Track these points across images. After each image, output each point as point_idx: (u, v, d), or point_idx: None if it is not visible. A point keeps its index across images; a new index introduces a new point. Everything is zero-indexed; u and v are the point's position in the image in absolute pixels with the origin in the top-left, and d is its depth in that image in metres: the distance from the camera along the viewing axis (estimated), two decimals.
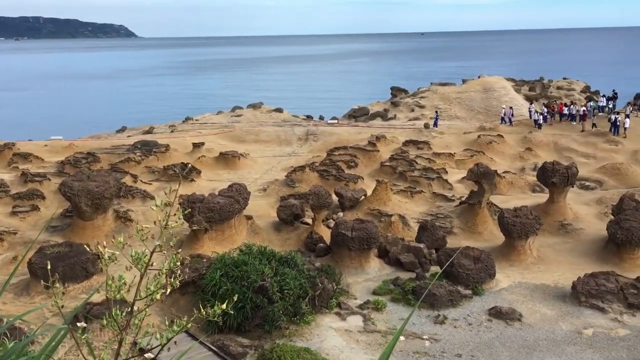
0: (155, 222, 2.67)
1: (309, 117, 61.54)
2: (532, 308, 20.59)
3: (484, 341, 18.30)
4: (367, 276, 23.63)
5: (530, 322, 19.59)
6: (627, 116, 44.90)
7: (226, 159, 42.35)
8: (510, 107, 51.27)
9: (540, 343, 18.17)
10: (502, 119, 50.36)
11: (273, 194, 35.15)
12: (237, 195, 27.31)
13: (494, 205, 30.90)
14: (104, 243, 2.74)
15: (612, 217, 27.03)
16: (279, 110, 61.90)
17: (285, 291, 18.83)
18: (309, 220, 29.45)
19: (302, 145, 49.55)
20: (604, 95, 52.28)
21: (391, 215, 29.97)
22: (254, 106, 63.69)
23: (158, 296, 2.57)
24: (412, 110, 58.98)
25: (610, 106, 49.33)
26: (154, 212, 2.79)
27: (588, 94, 60.20)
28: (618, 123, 44.21)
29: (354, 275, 23.52)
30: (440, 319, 19.60)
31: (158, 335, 2.50)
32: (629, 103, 50.67)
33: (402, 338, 18.37)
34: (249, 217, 28.76)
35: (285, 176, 37.50)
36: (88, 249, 3.77)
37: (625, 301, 20.37)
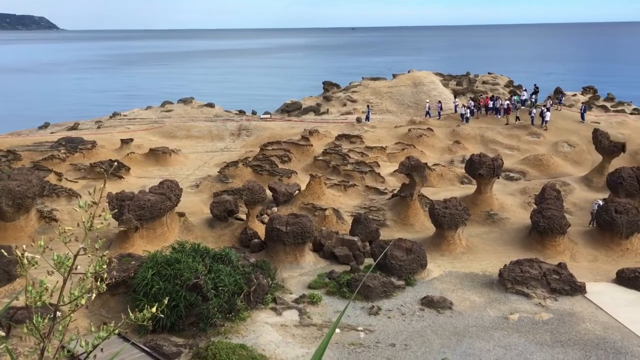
0: (78, 224, 2.54)
1: (241, 112, 60.92)
2: (462, 296, 21.24)
3: (416, 330, 18.73)
4: (302, 270, 23.69)
5: (460, 309, 20.20)
6: (548, 109, 47.00)
7: (156, 155, 41.39)
8: (439, 101, 52.57)
9: (470, 329, 18.77)
10: (427, 112, 51.58)
11: (206, 190, 34.65)
12: (169, 192, 26.74)
13: (425, 197, 31.65)
14: (24, 247, 2.59)
15: (535, 206, 28.24)
16: (211, 105, 60.99)
17: (220, 288, 18.62)
18: (243, 216, 29.22)
19: (234, 140, 49.06)
20: (526, 90, 54.43)
21: (325, 209, 30.16)
22: (185, 101, 62.48)
23: (83, 301, 2.46)
24: (345, 105, 59.46)
25: (533, 100, 51.44)
26: (80, 211, 2.66)
27: (511, 88, 62.55)
28: (544, 116, 46.30)
29: (289, 269, 23.54)
30: (374, 310, 19.90)
31: (83, 343, 2.38)
32: (549, 97, 53.00)
33: (337, 330, 18.53)
34: (181, 214, 28.23)
35: (218, 172, 37.05)
36: (5, 253, 3.57)
37: (548, 286, 21.34)
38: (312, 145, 43.04)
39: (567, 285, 21.29)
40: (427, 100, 53.45)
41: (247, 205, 28.00)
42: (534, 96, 51.68)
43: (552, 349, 17.51)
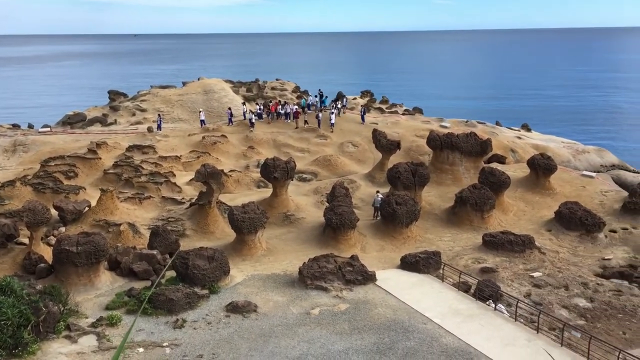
0: None
1: (15, 126, 55.31)
2: (266, 297, 21.70)
3: (223, 337, 18.69)
4: (98, 292, 22.23)
5: (265, 311, 20.63)
6: (332, 113, 50.19)
7: None
8: (229, 108, 53.16)
9: (276, 329, 19.26)
10: (202, 121, 52.07)
11: None
12: None
13: (224, 203, 31.74)
14: None
15: (327, 204, 29.95)
16: None
17: (2, 322, 16.69)
18: (26, 240, 26.62)
19: (9, 157, 44.40)
20: (315, 95, 57.44)
21: (120, 225, 28.72)
22: None
23: None
24: (134, 114, 57.21)
25: (335, 104, 54.42)
26: None
27: (299, 94, 65.53)
28: (332, 120, 49.37)
29: (84, 292, 21.93)
30: (179, 323, 19.42)
31: None
32: (333, 101, 56.58)
33: (141, 350, 17.73)
34: None
35: None
36: None
37: (344, 278, 22.77)
38: (100, 158, 40.71)
39: (360, 276, 22.91)
40: (201, 110, 54.17)
41: (29, 228, 25.48)
42: (328, 99, 54.87)
43: (351, 336, 18.72)
